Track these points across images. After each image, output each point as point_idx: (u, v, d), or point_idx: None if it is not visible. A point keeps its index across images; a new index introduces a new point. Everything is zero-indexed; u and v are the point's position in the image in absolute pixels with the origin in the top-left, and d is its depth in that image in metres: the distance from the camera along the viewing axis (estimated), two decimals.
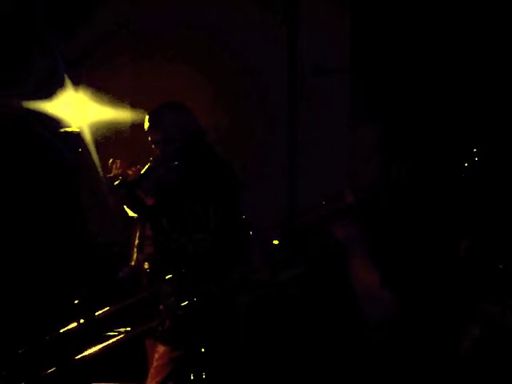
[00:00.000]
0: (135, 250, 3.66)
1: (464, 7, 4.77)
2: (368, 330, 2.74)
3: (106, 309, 3.62)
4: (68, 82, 5.00)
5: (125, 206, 3.68)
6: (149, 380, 3.57)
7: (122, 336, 3.58)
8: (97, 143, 4.97)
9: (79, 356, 3.96)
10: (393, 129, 2.90)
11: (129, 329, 3.70)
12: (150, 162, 3.61)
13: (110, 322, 3.96)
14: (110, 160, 3.65)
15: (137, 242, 3.66)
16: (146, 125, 3.64)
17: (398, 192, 2.82)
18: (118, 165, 3.62)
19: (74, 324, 3.73)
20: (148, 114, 3.65)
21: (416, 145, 2.95)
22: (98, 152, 4.88)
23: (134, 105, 5.32)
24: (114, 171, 3.61)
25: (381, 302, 2.68)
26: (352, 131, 2.98)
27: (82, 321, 3.72)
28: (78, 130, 4.99)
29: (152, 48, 5.38)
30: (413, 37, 4.88)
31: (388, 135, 2.85)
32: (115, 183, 3.57)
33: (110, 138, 5.27)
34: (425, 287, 2.70)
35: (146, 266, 3.59)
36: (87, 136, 4.97)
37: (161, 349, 3.54)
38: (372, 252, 2.75)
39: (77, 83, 5.05)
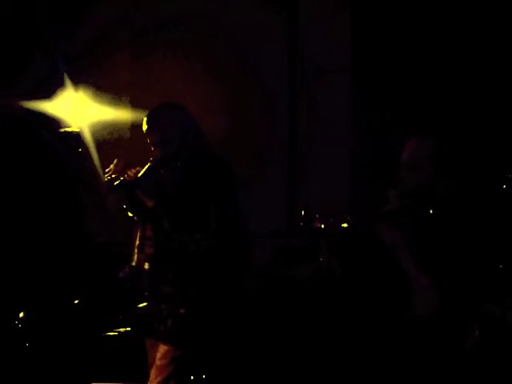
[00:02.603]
0: (136, 250, 3.65)
1: (463, 6, 4.78)
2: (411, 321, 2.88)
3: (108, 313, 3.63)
4: (68, 82, 5.00)
5: (125, 207, 3.67)
6: (150, 380, 3.56)
7: (123, 336, 3.59)
8: (97, 143, 4.97)
9: (80, 356, 3.98)
10: (447, 144, 3.04)
11: (129, 329, 3.70)
12: (150, 162, 3.61)
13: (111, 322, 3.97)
14: (114, 162, 3.64)
15: (137, 242, 3.65)
16: (145, 126, 3.64)
17: (443, 203, 2.94)
18: (118, 165, 3.62)
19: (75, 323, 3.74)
20: (146, 116, 3.65)
21: (464, 162, 3.07)
22: (98, 152, 4.87)
23: (134, 103, 5.32)
24: (114, 172, 3.60)
25: (428, 298, 2.82)
26: (405, 141, 3.10)
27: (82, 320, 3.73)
28: (77, 129, 4.98)
29: (152, 45, 5.38)
30: (413, 36, 4.88)
31: (443, 149, 2.99)
32: (115, 183, 3.57)
33: (110, 137, 5.26)
34: (464, 289, 2.83)
35: (147, 266, 3.58)
36: (87, 136, 4.97)
37: (163, 348, 3.54)
38: (417, 254, 2.88)
39: (77, 82, 5.04)
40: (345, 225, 3.03)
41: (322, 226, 3.13)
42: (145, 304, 3.53)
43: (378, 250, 3.02)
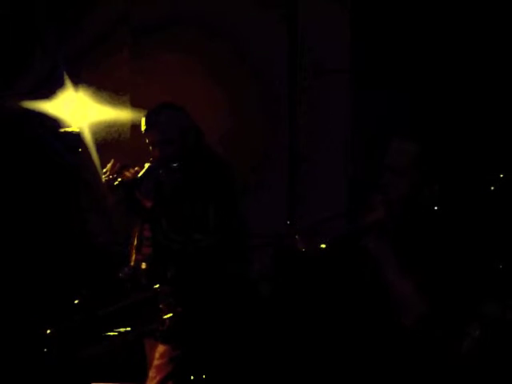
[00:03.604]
0: (134, 250, 3.66)
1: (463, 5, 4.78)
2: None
3: (106, 309, 3.63)
4: (68, 82, 5.00)
5: (124, 207, 3.68)
6: (149, 380, 3.57)
7: (122, 337, 3.60)
8: (97, 143, 4.97)
9: (79, 356, 3.97)
10: (432, 148, 2.99)
11: (129, 329, 3.70)
12: (150, 162, 3.61)
13: (110, 323, 3.96)
14: (111, 162, 3.64)
15: (135, 242, 3.66)
16: (143, 127, 3.65)
17: (429, 210, 2.91)
18: (115, 166, 3.62)
19: (74, 324, 3.74)
20: (145, 116, 3.66)
21: (449, 166, 3.03)
22: (98, 152, 4.87)
23: (134, 103, 5.32)
24: (111, 172, 3.60)
25: (413, 306, 2.80)
26: (389, 144, 3.05)
27: (82, 321, 3.73)
28: (77, 129, 4.99)
29: (152, 45, 5.37)
30: (413, 36, 4.88)
31: (427, 154, 2.94)
32: (115, 184, 3.57)
33: (110, 137, 5.26)
34: (453, 295, 2.82)
35: (144, 266, 3.58)
36: (87, 136, 4.97)
37: (161, 348, 3.54)
38: (403, 263, 2.85)
39: (77, 82, 5.04)
40: (323, 246, 2.98)
41: (303, 249, 3.10)
42: (143, 304, 3.53)
43: (363, 264, 3.00)
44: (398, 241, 2.92)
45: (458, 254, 2.90)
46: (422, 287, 2.84)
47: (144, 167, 3.59)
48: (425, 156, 2.97)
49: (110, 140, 5.24)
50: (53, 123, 4.97)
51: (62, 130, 4.97)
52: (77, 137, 4.98)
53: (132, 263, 3.64)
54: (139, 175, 3.57)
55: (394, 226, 2.93)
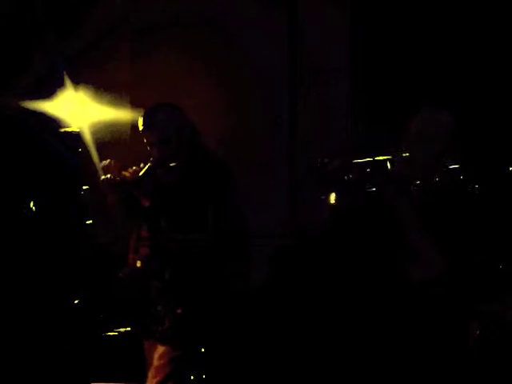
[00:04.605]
0: (131, 251, 3.65)
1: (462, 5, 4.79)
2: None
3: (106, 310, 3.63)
4: (68, 82, 5.00)
5: (122, 207, 3.67)
6: (149, 380, 3.56)
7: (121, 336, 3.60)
8: (97, 143, 4.96)
9: (79, 355, 3.98)
10: (461, 122, 3.06)
11: (129, 329, 3.70)
12: (150, 162, 3.61)
13: (110, 323, 3.96)
14: (110, 161, 3.64)
15: (132, 243, 3.65)
16: (141, 126, 3.65)
17: (448, 179, 2.97)
18: (117, 165, 3.61)
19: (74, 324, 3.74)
20: (142, 116, 3.66)
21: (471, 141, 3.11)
22: (98, 152, 4.87)
23: (134, 103, 5.32)
24: (113, 171, 3.60)
25: (434, 263, 2.90)
26: (419, 113, 3.11)
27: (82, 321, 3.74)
28: (77, 130, 4.99)
29: (152, 45, 5.38)
30: (412, 36, 4.89)
31: (457, 127, 3.01)
32: (114, 184, 3.57)
33: (110, 137, 5.26)
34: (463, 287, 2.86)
35: (139, 264, 3.57)
36: (87, 136, 4.97)
37: (160, 349, 3.53)
38: (425, 225, 2.94)
39: (77, 82, 5.04)
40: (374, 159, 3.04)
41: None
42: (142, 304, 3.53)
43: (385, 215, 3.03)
44: (421, 207, 2.97)
45: (476, 223, 2.95)
46: (443, 249, 2.89)
47: (143, 167, 3.59)
48: (455, 129, 3.05)
49: (110, 140, 5.24)
50: (53, 123, 4.97)
51: (62, 129, 4.97)
52: (77, 137, 4.98)
53: (130, 263, 3.64)
54: (139, 175, 3.57)
55: (416, 191, 2.99)
